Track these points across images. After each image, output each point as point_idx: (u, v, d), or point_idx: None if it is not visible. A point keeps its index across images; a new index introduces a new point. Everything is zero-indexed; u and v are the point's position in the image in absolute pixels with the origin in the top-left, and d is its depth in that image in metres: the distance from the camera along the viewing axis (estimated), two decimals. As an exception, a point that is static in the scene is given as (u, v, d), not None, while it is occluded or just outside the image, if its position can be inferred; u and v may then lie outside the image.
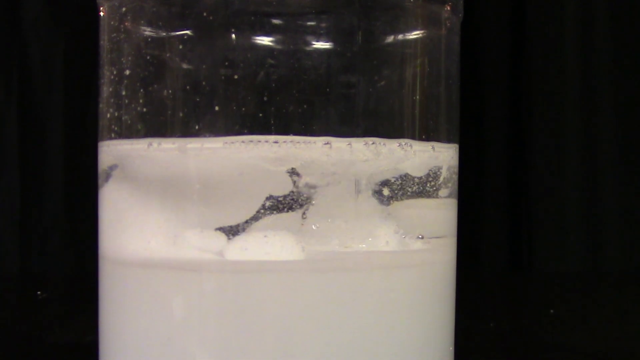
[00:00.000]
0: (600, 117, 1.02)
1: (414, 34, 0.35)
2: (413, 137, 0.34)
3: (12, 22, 0.96)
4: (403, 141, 0.33)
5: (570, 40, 1.01)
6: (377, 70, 0.33)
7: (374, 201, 0.33)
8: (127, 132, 0.34)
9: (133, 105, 0.34)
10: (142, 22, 0.34)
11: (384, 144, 0.32)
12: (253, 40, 0.32)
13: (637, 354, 0.55)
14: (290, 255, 0.31)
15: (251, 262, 0.31)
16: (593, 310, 0.77)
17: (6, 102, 0.96)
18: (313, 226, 0.32)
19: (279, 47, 0.32)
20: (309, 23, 0.32)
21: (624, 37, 1.02)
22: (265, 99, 0.31)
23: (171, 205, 0.32)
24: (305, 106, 0.32)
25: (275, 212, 0.31)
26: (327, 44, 0.32)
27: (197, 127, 0.32)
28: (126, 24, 0.34)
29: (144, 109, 0.33)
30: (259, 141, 0.31)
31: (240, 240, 0.31)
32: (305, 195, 0.31)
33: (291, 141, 0.31)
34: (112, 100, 0.35)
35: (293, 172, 0.31)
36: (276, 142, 0.31)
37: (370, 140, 0.32)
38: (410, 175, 0.33)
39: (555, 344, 0.58)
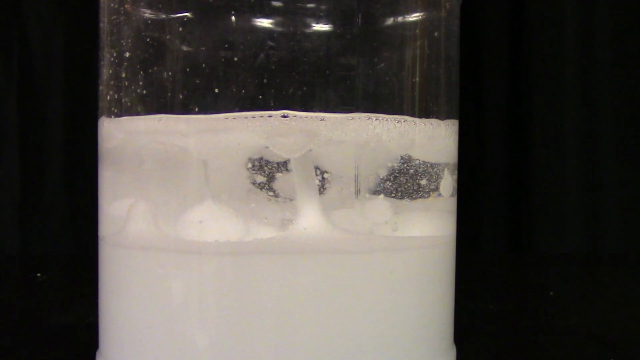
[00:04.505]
0: (601, 98, 1.02)
1: (414, 16, 0.35)
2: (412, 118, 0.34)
3: (13, 3, 0.95)
4: (402, 117, 0.33)
5: (570, 23, 1.01)
6: (376, 53, 0.33)
7: (372, 181, 0.33)
8: (127, 114, 0.34)
9: (133, 87, 0.34)
10: (142, 4, 0.34)
11: (386, 120, 0.32)
12: (253, 23, 0.31)
13: (636, 335, 0.55)
14: (292, 236, 0.31)
15: (250, 243, 0.31)
16: (592, 292, 0.77)
17: (6, 85, 0.96)
18: (313, 207, 0.32)
19: (278, 29, 0.31)
20: (308, 5, 0.32)
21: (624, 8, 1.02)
22: (265, 81, 0.31)
23: (171, 185, 0.32)
24: (305, 88, 0.32)
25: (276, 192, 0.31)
26: (327, 26, 0.32)
27: (196, 109, 0.32)
28: (126, 6, 0.34)
29: (144, 91, 0.33)
30: (261, 116, 0.31)
31: (237, 221, 0.31)
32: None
33: (299, 116, 0.31)
34: (112, 82, 0.35)
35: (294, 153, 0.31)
36: (285, 116, 0.31)
37: (374, 116, 0.32)
38: (407, 154, 0.33)
39: (554, 326, 0.59)
